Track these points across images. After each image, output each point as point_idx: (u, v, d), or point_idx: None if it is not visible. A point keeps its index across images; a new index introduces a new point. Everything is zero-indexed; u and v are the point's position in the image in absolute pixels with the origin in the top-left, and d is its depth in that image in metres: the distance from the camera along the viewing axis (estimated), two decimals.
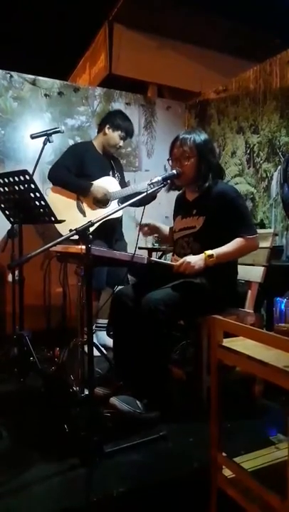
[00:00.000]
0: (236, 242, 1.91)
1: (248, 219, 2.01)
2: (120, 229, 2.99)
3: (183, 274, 1.86)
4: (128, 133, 2.90)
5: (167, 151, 2.11)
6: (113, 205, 2.82)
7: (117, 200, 2.83)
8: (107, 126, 2.86)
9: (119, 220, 2.89)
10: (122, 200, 2.82)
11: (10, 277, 2.51)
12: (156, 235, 2.36)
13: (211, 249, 1.88)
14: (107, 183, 2.83)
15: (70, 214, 2.61)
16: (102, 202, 2.79)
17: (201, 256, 1.86)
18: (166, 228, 2.30)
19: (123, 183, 2.97)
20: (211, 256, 1.85)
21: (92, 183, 2.77)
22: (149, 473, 1.48)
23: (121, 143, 2.90)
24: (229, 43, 4.37)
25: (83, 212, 2.81)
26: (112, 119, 2.87)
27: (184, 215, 2.12)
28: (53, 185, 2.82)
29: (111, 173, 2.93)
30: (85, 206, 2.82)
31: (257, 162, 3.35)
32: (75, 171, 2.82)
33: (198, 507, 1.30)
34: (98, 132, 2.97)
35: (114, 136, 2.86)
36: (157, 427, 1.71)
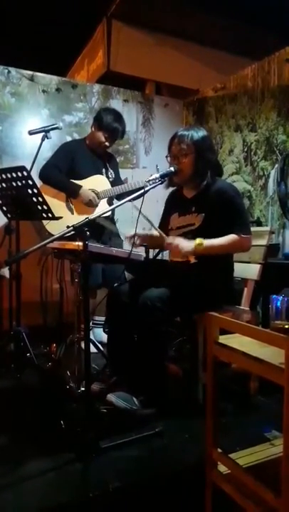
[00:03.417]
0: (229, 238, 1.90)
1: (244, 218, 2.00)
2: (113, 226, 2.97)
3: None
4: (113, 134, 2.81)
5: (165, 148, 2.11)
6: (102, 203, 2.81)
7: (106, 199, 2.82)
8: (94, 124, 2.84)
9: (109, 217, 2.88)
10: (112, 198, 2.82)
11: (7, 272, 2.51)
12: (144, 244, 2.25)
13: None
14: (96, 183, 2.81)
15: (58, 212, 2.59)
16: (90, 204, 2.79)
17: (192, 243, 1.87)
18: (157, 234, 2.23)
19: (117, 181, 2.93)
20: (200, 244, 1.86)
21: (80, 186, 2.76)
22: (145, 468, 1.48)
23: (107, 143, 2.83)
24: (227, 40, 4.36)
25: (71, 210, 2.81)
26: (99, 118, 2.82)
27: (181, 212, 2.11)
28: (43, 184, 2.80)
29: (104, 170, 2.90)
30: (73, 204, 2.81)
31: (254, 160, 3.36)
32: (66, 169, 2.80)
33: (194, 502, 1.31)
34: (90, 129, 2.95)
35: (98, 135, 2.82)
36: (153, 423, 1.71)
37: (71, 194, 2.79)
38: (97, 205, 2.80)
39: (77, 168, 2.82)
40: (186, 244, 1.87)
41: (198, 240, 1.86)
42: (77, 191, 2.75)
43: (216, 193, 1.97)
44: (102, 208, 2.77)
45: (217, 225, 1.93)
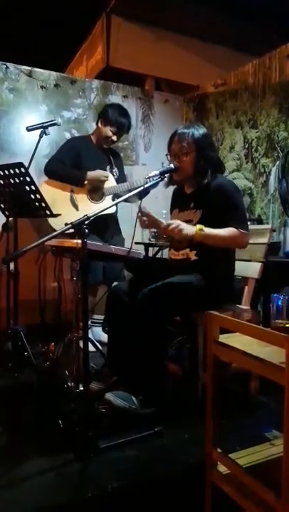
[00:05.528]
0: (229, 230, 1.88)
1: (242, 214, 1.99)
2: (116, 224, 2.96)
3: (170, 235, 1.85)
4: (121, 128, 2.83)
5: (165, 144, 2.08)
6: (107, 200, 2.80)
7: (111, 196, 2.81)
8: (100, 120, 2.84)
9: (113, 215, 2.87)
10: (117, 195, 2.81)
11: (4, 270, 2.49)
12: (153, 229, 2.30)
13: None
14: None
15: (62, 208, 2.58)
16: (97, 192, 2.77)
17: (193, 227, 1.84)
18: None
19: (122, 179, 2.92)
20: (201, 230, 1.83)
21: (86, 172, 2.75)
22: (144, 469, 1.47)
23: (114, 137, 2.84)
24: (228, 36, 4.33)
25: (76, 207, 2.79)
26: (105, 113, 2.83)
27: (181, 208, 2.10)
28: (49, 178, 2.79)
29: (108, 167, 2.90)
30: (78, 200, 2.80)
31: (255, 157, 3.33)
32: (71, 164, 2.80)
33: (193, 503, 1.30)
34: (96, 125, 2.94)
35: (105, 130, 2.82)
36: (152, 422, 1.70)
37: (78, 181, 2.78)
38: (103, 198, 2.79)
39: (82, 163, 2.81)
40: (187, 226, 1.84)
41: (199, 226, 1.84)
42: (84, 176, 2.75)
43: (214, 189, 1.95)
44: (107, 204, 2.76)
45: (215, 220, 1.90)
